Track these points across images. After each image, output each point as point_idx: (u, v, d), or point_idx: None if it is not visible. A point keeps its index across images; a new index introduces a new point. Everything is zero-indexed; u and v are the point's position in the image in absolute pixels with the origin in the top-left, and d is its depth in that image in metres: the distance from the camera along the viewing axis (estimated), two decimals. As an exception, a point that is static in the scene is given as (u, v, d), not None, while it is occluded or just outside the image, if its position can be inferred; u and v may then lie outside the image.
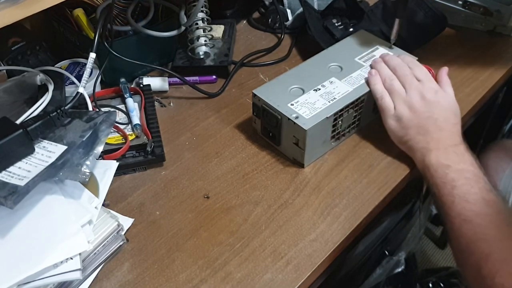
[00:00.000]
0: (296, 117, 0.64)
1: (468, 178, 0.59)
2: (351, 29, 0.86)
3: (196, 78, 0.83)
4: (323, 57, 0.75)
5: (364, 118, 0.72)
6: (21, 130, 0.53)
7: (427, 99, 0.66)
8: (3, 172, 0.52)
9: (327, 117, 0.65)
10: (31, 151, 0.55)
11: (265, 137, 0.71)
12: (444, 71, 0.71)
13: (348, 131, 0.71)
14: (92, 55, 0.68)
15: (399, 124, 0.66)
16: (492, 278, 0.51)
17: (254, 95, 0.68)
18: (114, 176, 0.60)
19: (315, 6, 0.93)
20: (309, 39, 0.87)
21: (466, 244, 0.55)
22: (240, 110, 0.77)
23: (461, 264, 0.57)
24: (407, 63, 0.71)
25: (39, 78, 0.67)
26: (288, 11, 0.94)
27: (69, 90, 0.71)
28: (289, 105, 0.66)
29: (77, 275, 0.51)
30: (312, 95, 0.67)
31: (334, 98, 0.67)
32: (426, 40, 0.86)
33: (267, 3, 0.97)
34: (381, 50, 0.76)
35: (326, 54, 0.75)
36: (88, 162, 0.54)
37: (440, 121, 0.65)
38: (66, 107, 0.60)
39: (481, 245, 0.54)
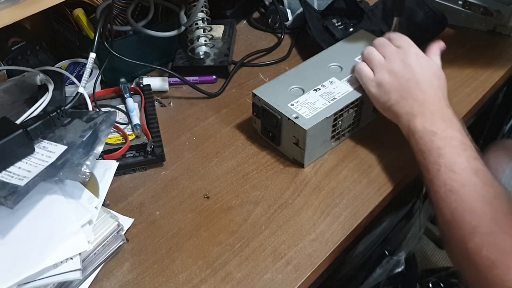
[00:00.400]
0: (296, 117, 0.64)
1: (455, 146, 0.57)
2: (351, 29, 0.86)
3: (196, 78, 0.83)
4: (323, 57, 0.75)
5: (364, 118, 0.72)
6: (21, 130, 0.53)
7: (407, 62, 0.65)
8: (3, 172, 0.52)
9: (327, 117, 0.65)
10: (31, 151, 0.55)
11: (265, 137, 0.71)
12: (437, 44, 0.70)
13: (348, 131, 0.71)
14: (92, 55, 0.68)
15: (381, 90, 0.65)
16: (479, 251, 0.50)
17: (254, 95, 0.68)
18: (114, 176, 0.60)
19: (315, 6, 0.93)
20: (309, 39, 0.87)
21: (451, 216, 0.54)
22: (240, 110, 0.77)
23: (446, 236, 0.55)
24: (388, 37, 0.70)
25: (39, 78, 0.67)
26: (288, 11, 0.94)
27: (69, 90, 0.72)
28: (289, 105, 0.66)
29: (77, 275, 0.51)
30: (312, 95, 0.67)
31: (334, 98, 0.67)
32: (426, 40, 0.86)
33: (267, 3, 0.97)
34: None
35: (326, 54, 0.75)
36: (88, 162, 0.54)
37: (423, 83, 0.63)
38: (66, 107, 0.60)
39: (467, 217, 0.52)
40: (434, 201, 0.57)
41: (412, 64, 0.65)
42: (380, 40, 0.70)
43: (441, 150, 0.57)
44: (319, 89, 0.68)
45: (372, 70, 0.67)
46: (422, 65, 0.65)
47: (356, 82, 0.69)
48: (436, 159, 0.57)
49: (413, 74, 0.64)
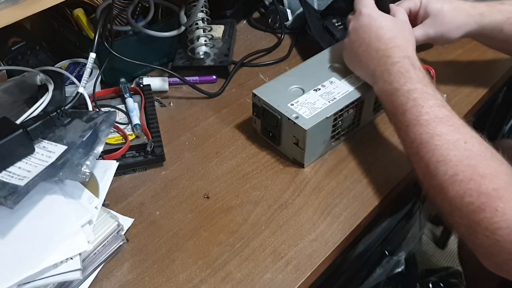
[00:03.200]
0: (296, 117, 0.64)
1: (416, 99, 0.57)
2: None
3: (196, 78, 0.83)
4: (323, 57, 0.75)
5: (364, 118, 0.72)
6: (21, 130, 0.54)
7: (355, 28, 0.66)
8: (3, 172, 0.52)
9: (327, 117, 0.65)
10: (31, 151, 0.55)
11: (265, 137, 0.71)
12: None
13: (348, 131, 0.71)
14: (92, 55, 0.68)
15: (346, 60, 0.69)
16: (461, 199, 0.50)
17: (254, 95, 0.68)
18: (114, 176, 0.60)
19: (315, 6, 0.93)
20: (309, 39, 0.87)
21: (426, 167, 0.54)
22: (240, 110, 0.77)
23: (426, 186, 0.55)
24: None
25: (39, 78, 0.67)
26: (288, 11, 0.94)
27: (69, 90, 0.72)
28: (289, 105, 0.66)
29: (77, 275, 0.51)
30: (312, 95, 0.67)
31: (334, 98, 0.67)
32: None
33: (267, 3, 0.97)
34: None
35: (326, 54, 0.75)
36: (88, 162, 0.54)
37: (373, 42, 0.64)
38: (66, 107, 0.60)
39: (442, 167, 0.52)
40: (409, 158, 0.57)
41: (359, 28, 0.66)
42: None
43: (405, 106, 0.57)
44: (319, 89, 0.68)
45: None
46: (370, 24, 0.65)
47: (356, 82, 0.69)
48: (402, 116, 0.57)
49: (363, 38, 0.65)
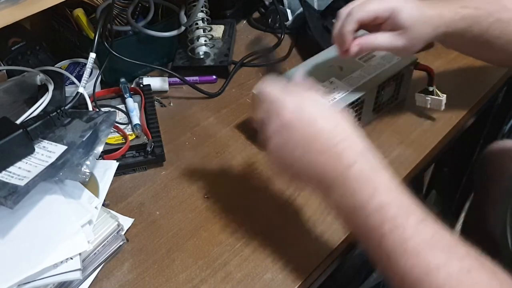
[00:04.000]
0: (296, 117, 0.64)
1: (394, 218, 0.43)
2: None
3: (196, 78, 0.83)
4: (323, 57, 0.75)
5: (364, 118, 0.72)
6: (21, 130, 0.54)
7: (275, 128, 0.49)
8: (3, 172, 0.52)
9: (327, 117, 0.64)
10: (31, 151, 0.55)
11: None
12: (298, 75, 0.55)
13: (348, 131, 0.71)
14: (92, 55, 0.68)
15: (281, 173, 0.52)
16: None
17: (254, 95, 0.68)
18: (114, 176, 0.60)
19: (315, 6, 0.94)
20: (309, 39, 0.87)
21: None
22: (240, 110, 0.77)
23: None
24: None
25: (39, 78, 0.67)
26: (288, 11, 0.94)
27: (69, 90, 0.71)
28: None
29: (77, 275, 0.51)
30: (312, 95, 0.67)
31: (334, 98, 0.67)
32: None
33: (267, 3, 0.97)
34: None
35: (326, 54, 0.75)
36: (88, 162, 0.54)
37: (312, 143, 0.47)
38: (66, 107, 0.60)
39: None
40: None
41: (283, 129, 0.48)
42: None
43: (380, 229, 0.43)
44: (319, 89, 0.68)
45: None
46: (297, 121, 0.48)
47: (356, 82, 0.69)
48: (378, 242, 0.43)
49: (293, 141, 0.48)
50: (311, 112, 0.48)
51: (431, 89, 0.71)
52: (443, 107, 0.72)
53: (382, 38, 0.61)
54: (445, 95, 0.71)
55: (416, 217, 0.43)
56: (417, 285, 0.41)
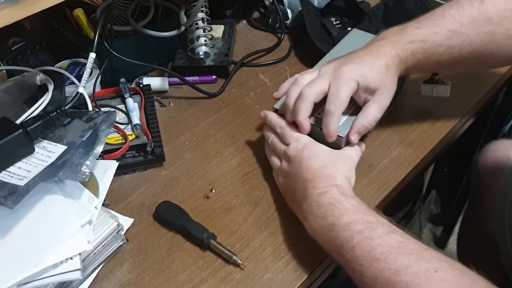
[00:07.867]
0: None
1: (361, 231, 0.49)
2: (349, 28, 0.86)
3: (196, 78, 0.83)
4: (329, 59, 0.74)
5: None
6: (21, 130, 0.54)
7: (292, 155, 0.60)
8: (3, 172, 0.52)
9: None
10: (31, 151, 0.55)
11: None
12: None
13: (348, 131, 0.71)
14: (92, 55, 0.68)
15: (282, 191, 0.63)
16: None
17: (276, 110, 0.67)
18: (114, 176, 0.60)
19: (315, 4, 0.94)
20: (309, 39, 0.87)
21: None
22: (240, 110, 0.77)
23: None
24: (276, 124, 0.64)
25: (39, 78, 0.67)
26: (288, 11, 0.94)
27: (69, 90, 0.71)
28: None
29: (77, 275, 0.51)
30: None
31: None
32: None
33: (267, 3, 0.97)
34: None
35: (328, 59, 0.75)
36: (88, 162, 0.54)
37: (303, 173, 0.57)
38: (66, 107, 0.60)
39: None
40: None
41: (295, 157, 0.59)
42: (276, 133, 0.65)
43: (350, 242, 0.49)
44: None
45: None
46: (303, 154, 0.59)
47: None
48: (350, 254, 0.49)
49: (294, 169, 0.59)
50: (316, 150, 0.59)
51: (436, 77, 0.72)
52: (448, 94, 0.73)
53: (373, 111, 0.61)
54: (450, 82, 0.72)
55: (383, 229, 0.49)
56: (388, 286, 0.45)
